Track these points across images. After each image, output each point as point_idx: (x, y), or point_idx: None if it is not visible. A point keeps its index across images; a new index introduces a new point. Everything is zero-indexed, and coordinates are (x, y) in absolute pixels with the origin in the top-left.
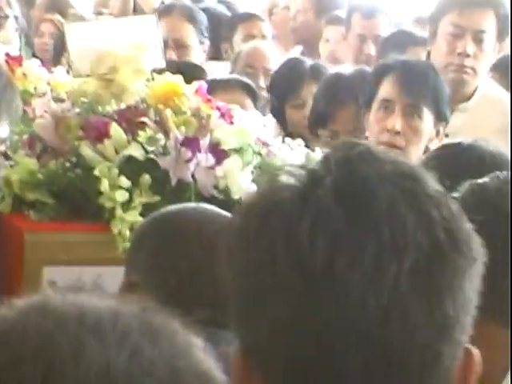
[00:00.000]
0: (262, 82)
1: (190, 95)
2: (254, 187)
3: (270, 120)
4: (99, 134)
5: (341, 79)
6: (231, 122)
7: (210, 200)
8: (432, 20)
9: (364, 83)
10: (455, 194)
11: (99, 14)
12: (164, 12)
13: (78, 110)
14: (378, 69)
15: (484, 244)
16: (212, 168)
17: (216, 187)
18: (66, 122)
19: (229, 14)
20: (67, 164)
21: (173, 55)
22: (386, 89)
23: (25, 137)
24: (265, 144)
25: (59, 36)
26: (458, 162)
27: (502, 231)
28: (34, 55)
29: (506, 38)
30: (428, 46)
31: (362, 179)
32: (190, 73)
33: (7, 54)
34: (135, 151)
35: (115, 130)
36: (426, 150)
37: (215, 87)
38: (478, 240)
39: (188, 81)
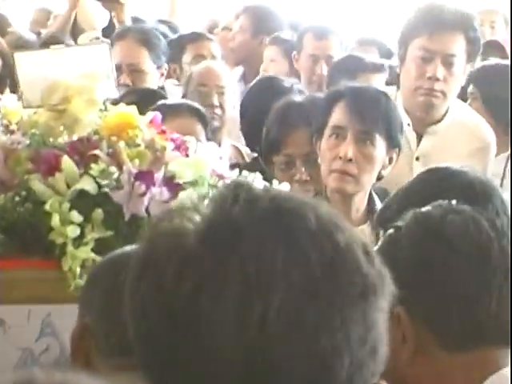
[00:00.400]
0: (216, 100)
1: (143, 127)
2: None
3: (226, 151)
4: (50, 167)
5: (292, 105)
6: (186, 155)
7: None
8: (401, 43)
9: (315, 109)
10: (399, 223)
11: (38, 34)
12: (119, 36)
13: (28, 141)
14: (329, 95)
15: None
16: (167, 202)
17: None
18: (15, 155)
19: (171, 34)
20: (17, 198)
21: (127, 80)
22: (338, 116)
23: None
24: (220, 176)
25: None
26: (445, 186)
27: (446, 258)
28: None
29: (475, 59)
30: (398, 68)
31: (232, 220)
32: (151, 99)
33: None
34: (87, 185)
35: (67, 163)
36: (379, 176)
37: (165, 112)
38: (380, 272)
39: (146, 107)
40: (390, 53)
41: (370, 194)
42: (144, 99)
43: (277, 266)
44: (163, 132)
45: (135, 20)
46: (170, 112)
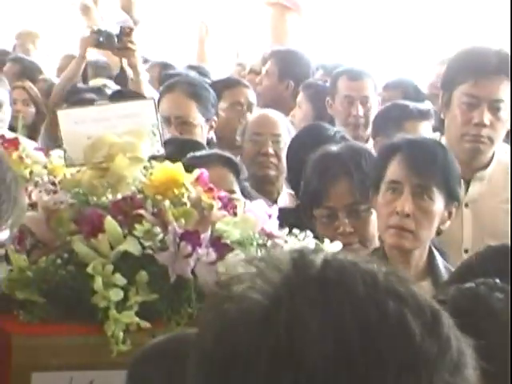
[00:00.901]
0: (271, 149)
1: (189, 184)
2: None
3: (284, 200)
4: (93, 228)
5: (329, 156)
6: (234, 213)
7: (212, 295)
8: (444, 89)
9: (356, 157)
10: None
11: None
12: (167, 89)
13: (71, 201)
14: (384, 149)
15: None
16: (213, 263)
17: (218, 283)
18: (57, 215)
19: (201, 78)
20: (59, 260)
21: (175, 133)
22: (394, 170)
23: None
24: (270, 235)
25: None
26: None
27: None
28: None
29: None
30: (442, 115)
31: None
32: (191, 149)
33: (2, 137)
34: (131, 246)
35: (110, 223)
36: (438, 231)
37: (196, 164)
38: (445, 342)
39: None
40: (417, 92)
41: (430, 249)
42: (184, 149)
43: (310, 334)
44: (210, 190)
45: (165, 66)
46: (201, 163)
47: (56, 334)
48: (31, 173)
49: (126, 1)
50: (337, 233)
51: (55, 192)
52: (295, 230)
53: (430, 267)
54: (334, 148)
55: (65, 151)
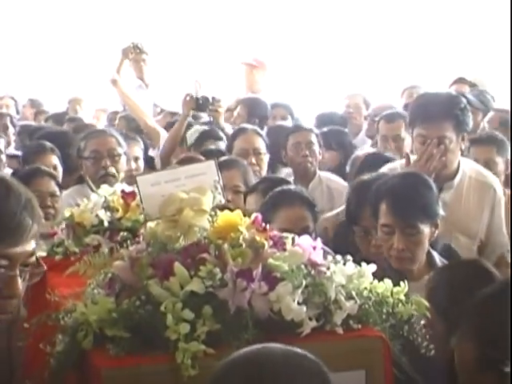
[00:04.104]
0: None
1: (245, 228)
2: (303, 308)
3: (319, 242)
4: (166, 272)
5: (364, 183)
6: (283, 249)
7: (266, 322)
8: (411, 127)
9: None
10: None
11: None
12: (239, 132)
13: (150, 249)
14: (374, 198)
15: None
16: (266, 294)
17: (271, 310)
18: (139, 262)
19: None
20: (137, 302)
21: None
22: (383, 215)
23: (107, 277)
24: (315, 264)
25: None
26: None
27: None
28: None
29: (466, 130)
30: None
31: None
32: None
33: (123, 191)
34: (196, 286)
35: (178, 268)
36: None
37: (281, 201)
38: None
39: None
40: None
41: (428, 250)
42: (275, 186)
43: None
44: (264, 230)
45: (173, 114)
46: (285, 202)
47: (138, 364)
48: None
49: (138, 71)
50: (371, 245)
51: (138, 243)
52: (338, 257)
53: (430, 265)
54: (367, 177)
55: (143, 209)
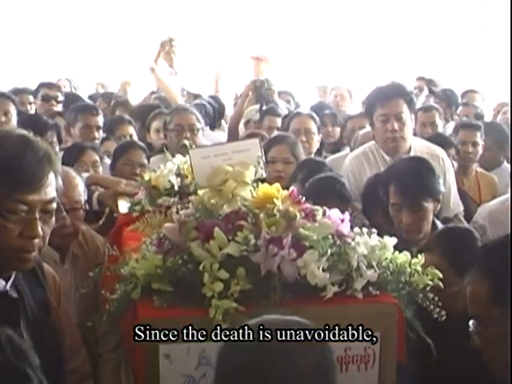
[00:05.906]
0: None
1: (281, 200)
2: (327, 275)
3: (347, 215)
4: (207, 236)
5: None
6: (314, 220)
7: (293, 285)
8: (368, 114)
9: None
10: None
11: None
12: (295, 114)
13: (197, 214)
14: (382, 179)
15: None
16: (294, 260)
17: (298, 274)
18: (186, 225)
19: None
20: (180, 261)
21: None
22: (392, 195)
23: (159, 237)
24: (341, 235)
25: None
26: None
27: None
28: None
29: (414, 110)
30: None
31: None
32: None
33: None
34: (232, 249)
35: (218, 232)
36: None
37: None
38: None
39: None
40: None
41: (433, 220)
42: (314, 174)
43: None
44: (298, 202)
45: (196, 96)
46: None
47: (175, 316)
48: None
49: (169, 60)
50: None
51: (187, 208)
52: (364, 229)
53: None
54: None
55: (193, 178)
